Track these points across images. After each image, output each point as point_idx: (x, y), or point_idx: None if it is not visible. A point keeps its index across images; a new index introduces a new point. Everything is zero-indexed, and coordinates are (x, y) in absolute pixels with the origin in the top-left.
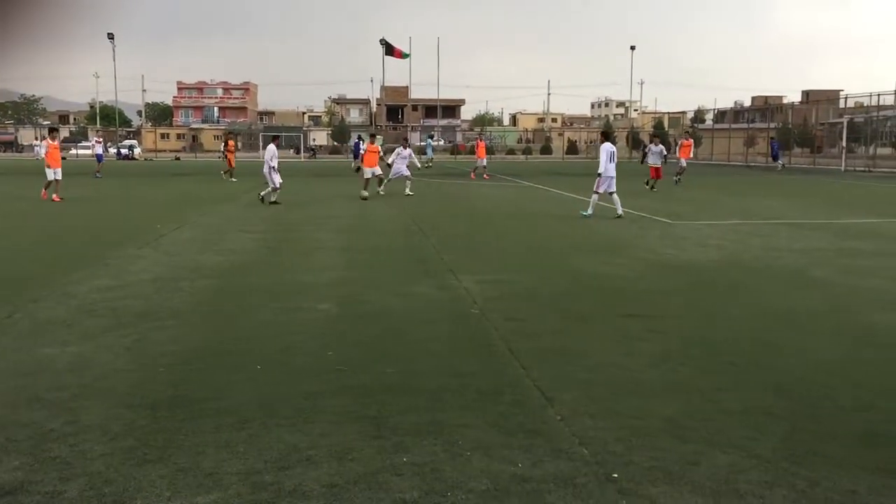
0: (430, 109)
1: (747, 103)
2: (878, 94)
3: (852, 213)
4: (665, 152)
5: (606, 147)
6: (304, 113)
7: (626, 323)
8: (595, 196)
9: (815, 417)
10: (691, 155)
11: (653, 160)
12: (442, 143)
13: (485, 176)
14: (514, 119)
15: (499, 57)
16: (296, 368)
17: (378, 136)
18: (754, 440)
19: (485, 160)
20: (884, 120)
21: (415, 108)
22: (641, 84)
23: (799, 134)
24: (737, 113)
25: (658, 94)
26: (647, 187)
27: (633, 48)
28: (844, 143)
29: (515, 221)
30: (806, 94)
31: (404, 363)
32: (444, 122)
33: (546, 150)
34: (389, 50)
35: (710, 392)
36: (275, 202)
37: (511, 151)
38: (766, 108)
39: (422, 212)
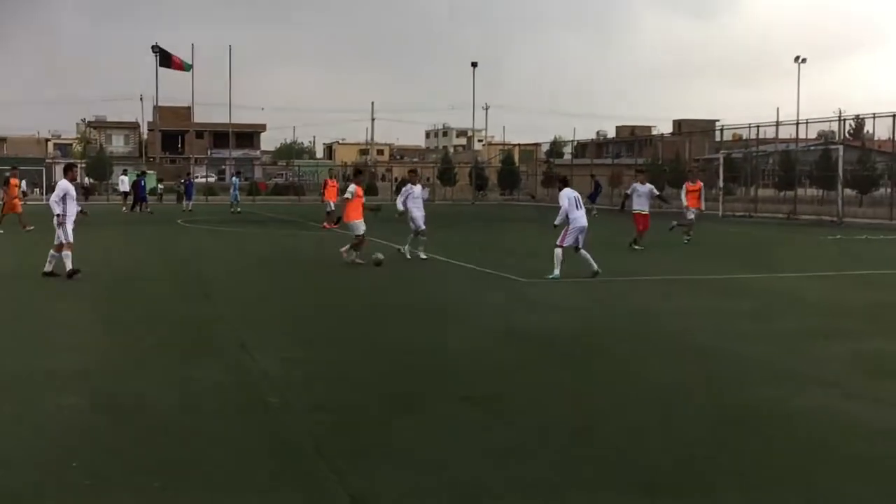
0: (221, 136)
1: (612, 134)
2: (758, 126)
3: (735, 265)
4: (656, 193)
5: (567, 193)
6: (47, 140)
7: (464, 408)
8: (558, 251)
9: None
10: (702, 204)
11: (638, 205)
12: (237, 180)
13: (327, 225)
14: (329, 150)
15: (309, 73)
16: (20, 488)
17: (361, 173)
18: None
19: (333, 203)
20: (765, 156)
21: (199, 134)
22: (486, 109)
23: (671, 171)
24: (600, 146)
25: (506, 121)
26: (632, 245)
27: (474, 65)
28: (721, 184)
29: (333, 279)
30: (678, 123)
31: (176, 473)
32: (238, 152)
33: (371, 189)
34: (166, 59)
35: (575, 495)
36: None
37: None
38: (633, 139)
39: (210, 269)
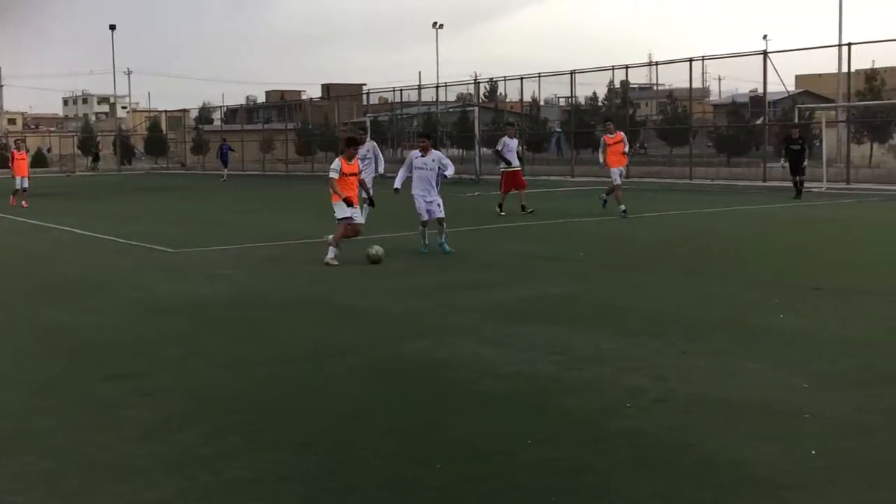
0: None
1: (262, 99)
2: (402, 89)
3: (384, 225)
4: (518, 150)
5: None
6: None
7: (107, 388)
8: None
9: (335, 474)
10: (626, 158)
11: (509, 158)
12: None
13: (13, 201)
14: None
15: None
16: None
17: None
18: None
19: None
20: (409, 118)
21: None
22: (129, 74)
23: (322, 135)
24: (250, 111)
25: (151, 87)
26: (498, 211)
27: (112, 28)
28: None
29: None
30: (327, 88)
31: None
32: None
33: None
34: None
35: (215, 462)
36: None
37: None
38: (283, 104)
39: None
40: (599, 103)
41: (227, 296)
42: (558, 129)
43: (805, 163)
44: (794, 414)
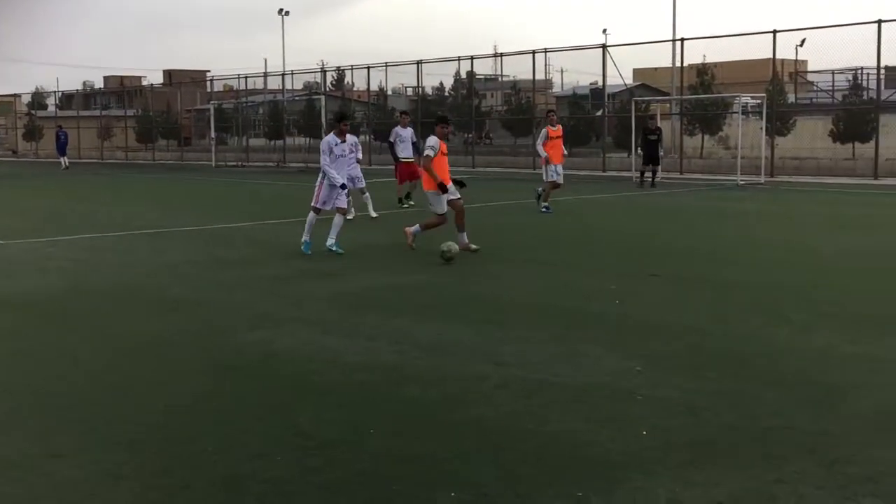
0: None
1: (100, 84)
2: (247, 77)
3: (223, 215)
4: (415, 139)
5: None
6: None
7: None
8: (312, 216)
9: (168, 471)
10: (563, 155)
11: (403, 152)
12: None
13: None
14: None
15: None
16: None
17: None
18: None
19: None
20: (255, 106)
21: None
22: None
23: (163, 122)
24: (87, 96)
25: None
26: (401, 203)
27: None
28: (214, 135)
29: None
30: (168, 74)
31: None
32: None
33: None
34: None
35: (45, 462)
36: None
37: None
38: (122, 90)
39: None
40: (446, 93)
41: (61, 289)
42: None
43: (661, 153)
44: (627, 396)
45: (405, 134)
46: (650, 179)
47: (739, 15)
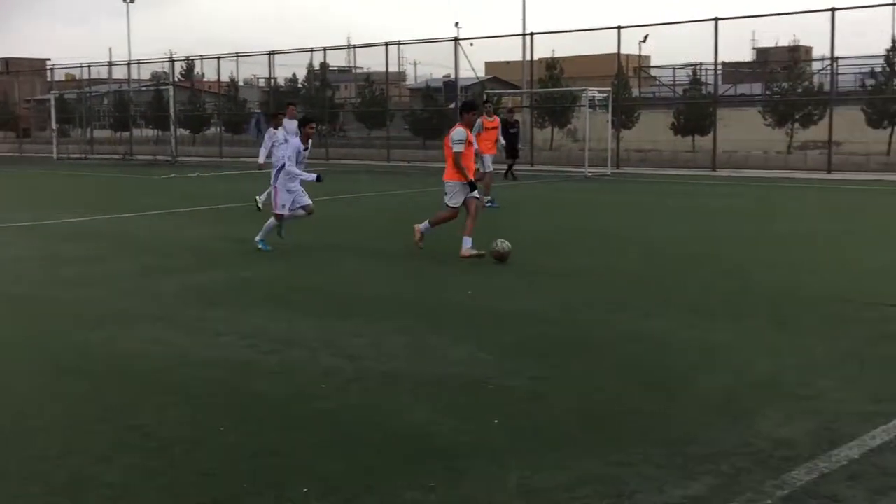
0: None
1: None
2: (90, 66)
3: (66, 209)
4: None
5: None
6: None
7: None
8: (272, 221)
9: (5, 476)
10: (501, 147)
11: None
12: None
13: None
14: None
15: None
16: None
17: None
18: None
19: None
20: (99, 97)
21: None
22: None
23: (2, 112)
24: None
25: None
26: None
27: None
28: (55, 126)
29: None
30: (6, 62)
31: None
32: None
33: None
34: None
35: None
36: None
37: None
38: None
39: None
40: (299, 85)
41: None
42: (258, 111)
43: (519, 146)
44: (477, 385)
45: (290, 127)
46: (510, 171)
47: (586, 11)
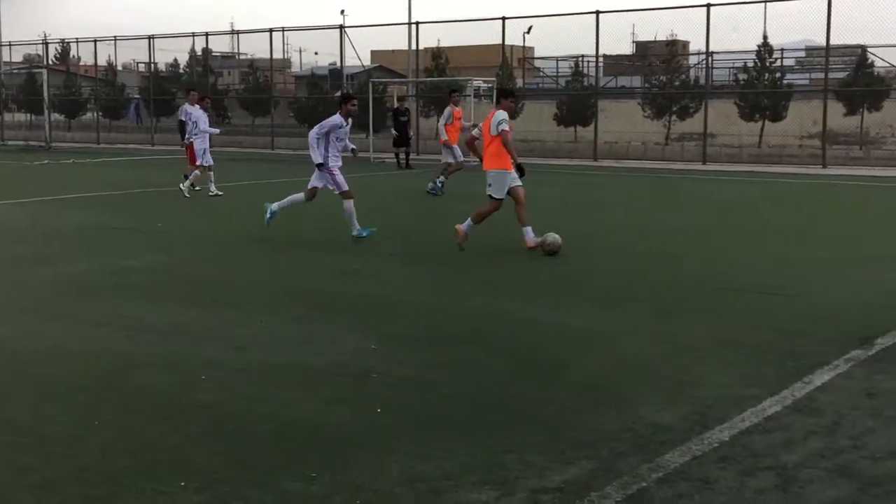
0: None
1: None
2: None
3: None
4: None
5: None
6: None
7: None
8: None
9: None
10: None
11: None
12: None
13: None
14: None
15: None
16: None
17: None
18: None
19: None
20: None
21: None
22: None
23: None
24: None
25: None
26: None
27: None
28: None
29: None
30: None
31: None
32: None
33: None
34: None
35: None
36: None
37: None
38: None
39: None
40: (181, 70)
41: None
42: (137, 96)
43: (411, 135)
44: (364, 375)
45: (195, 113)
46: (405, 161)
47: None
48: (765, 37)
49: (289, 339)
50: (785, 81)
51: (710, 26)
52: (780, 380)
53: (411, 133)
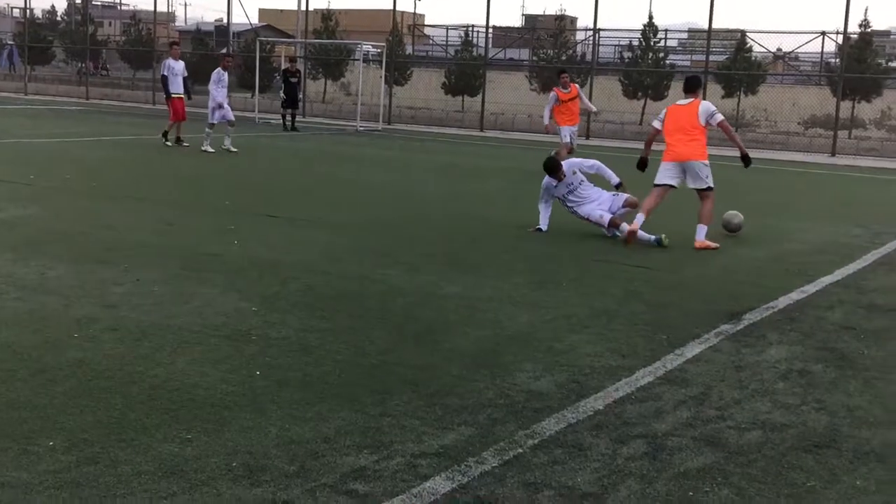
0: None
1: None
2: None
3: None
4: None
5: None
6: None
7: None
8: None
9: None
10: (577, 119)
11: (175, 87)
12: None
13: None
14: None
15: None
16: None
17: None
18: None
19: None
20: None
21: None
22: None
23: None
24: None
25: None
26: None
27: None
28: None
29: None
30: None
31: None
32: None
33: None
34: None
35: None
36: None
37: None
38: None
39: None
40: (59, 18)
41: None
42: (11, 42)
43: (300, 96)
44: (242, 337)
45: (177, 67)
46: (291, 123)
47: None
48: (650, 17)
49: (164, 298)
50: (668, 62)
51: (598, 4)
52: (653, 351)
53: (300, 95)
